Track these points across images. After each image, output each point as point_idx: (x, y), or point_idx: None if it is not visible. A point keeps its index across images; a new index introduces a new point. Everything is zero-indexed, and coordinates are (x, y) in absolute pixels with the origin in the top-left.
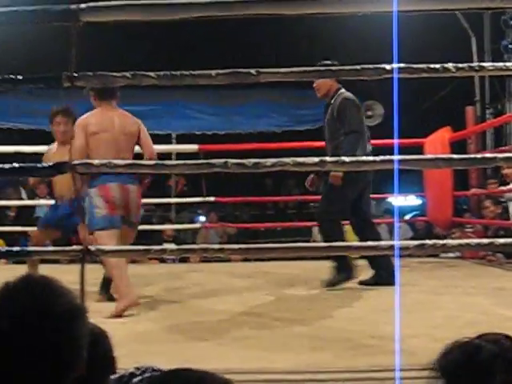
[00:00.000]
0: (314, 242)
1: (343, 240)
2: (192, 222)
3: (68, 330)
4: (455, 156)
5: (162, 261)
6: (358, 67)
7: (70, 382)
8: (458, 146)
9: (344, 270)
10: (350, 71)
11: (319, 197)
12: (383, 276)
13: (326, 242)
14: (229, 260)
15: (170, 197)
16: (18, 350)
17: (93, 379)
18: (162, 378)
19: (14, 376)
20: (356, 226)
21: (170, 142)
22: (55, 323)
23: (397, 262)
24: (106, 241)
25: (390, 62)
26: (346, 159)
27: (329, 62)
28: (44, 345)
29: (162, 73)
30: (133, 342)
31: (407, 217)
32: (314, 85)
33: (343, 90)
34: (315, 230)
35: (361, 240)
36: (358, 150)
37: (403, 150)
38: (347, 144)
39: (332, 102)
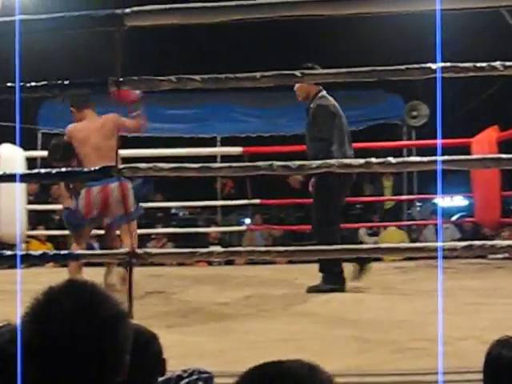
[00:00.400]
0: (361, 243)
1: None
2: (238, 224)
3: (112, 335)
4: (504, 156)
5: (209, 263)
6: (403, 67)
7: None
8: (506, 146)
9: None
10: (395, 71)
11: (364, 198)
12: None
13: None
14: (274, 262)
15: (216, 199)
16: (64, 355)
17: (142, 381)
18: (270, 371)
19: (58, 380)
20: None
21: (215, 145)
22: (100, 329)
23: (440, 262)
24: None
25: (434, 62)
26: (392, 160)
27: (310, 66)
28: (89, 350)
29: (206, 76)
30: (179, 345)
31: (454, 218)
32: (294, 88)
33: (323, 94)
34: (362, 231)
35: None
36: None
37: (450, 149)
38: (312, 150)
39: (311, 106)
